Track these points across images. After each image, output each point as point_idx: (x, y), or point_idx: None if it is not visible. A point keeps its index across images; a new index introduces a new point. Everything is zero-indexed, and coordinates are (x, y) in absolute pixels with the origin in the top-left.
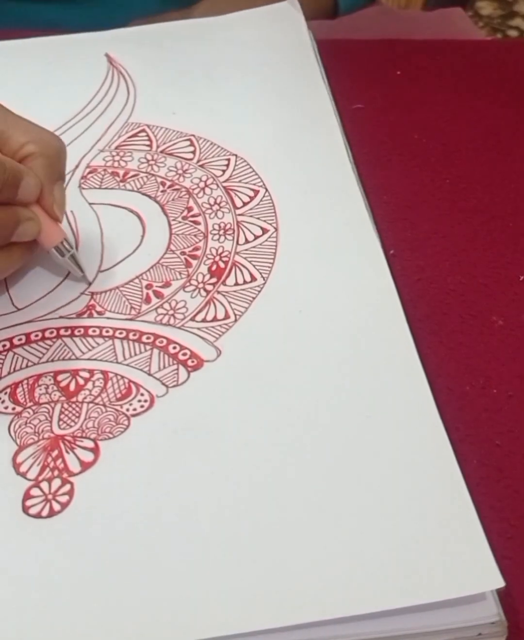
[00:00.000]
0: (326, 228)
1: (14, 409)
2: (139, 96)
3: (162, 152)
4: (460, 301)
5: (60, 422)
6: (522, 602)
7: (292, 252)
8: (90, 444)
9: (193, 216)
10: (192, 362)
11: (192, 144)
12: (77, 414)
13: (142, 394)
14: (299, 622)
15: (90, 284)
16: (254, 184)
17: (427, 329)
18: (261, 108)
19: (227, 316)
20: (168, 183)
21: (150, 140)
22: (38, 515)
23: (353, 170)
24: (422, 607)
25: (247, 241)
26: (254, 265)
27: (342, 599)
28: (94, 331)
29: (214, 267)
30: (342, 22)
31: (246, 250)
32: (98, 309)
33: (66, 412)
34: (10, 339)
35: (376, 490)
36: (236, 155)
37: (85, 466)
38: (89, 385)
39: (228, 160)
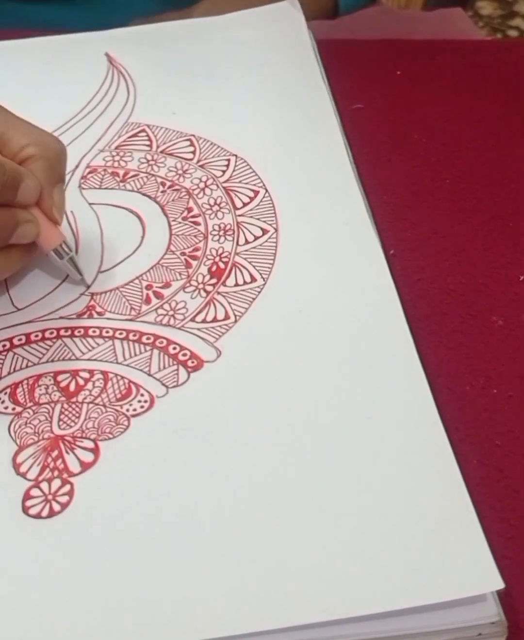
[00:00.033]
0: (326, 228)
1: (14, 409)
2: (139, 96)
3: (162, 152)
4: (460, 301)
5: (60, 423)
6: (522, 602)
7: (292, 252)
8: (90, 445)
9: (193, 217)
10: (192, 362)
11: (192, 144)
12: (77, 414)
13: (142, 395)
14: (299, 623)
15: (88, 287)
16: (254, 185)
17: (427, 329)
18: (261, 108)
19: (227, 317)
20: (168, 183)
21: (150, 140)
22: (38, 516)
23: (353, 170)
24: (422, 608)
25: (247, 242)
26: (254, 266)
27: (342, 600)
28: (94, 332)
29: (214, 268)
30: (342, 22)
31: (246, 250)
32: (99, 309)
33: (66, 413)
34: (10, 339)
35: (376, 491)
36: (236, 156)
37: (85, 466)
38: (89, 385)
39: (228, 160)
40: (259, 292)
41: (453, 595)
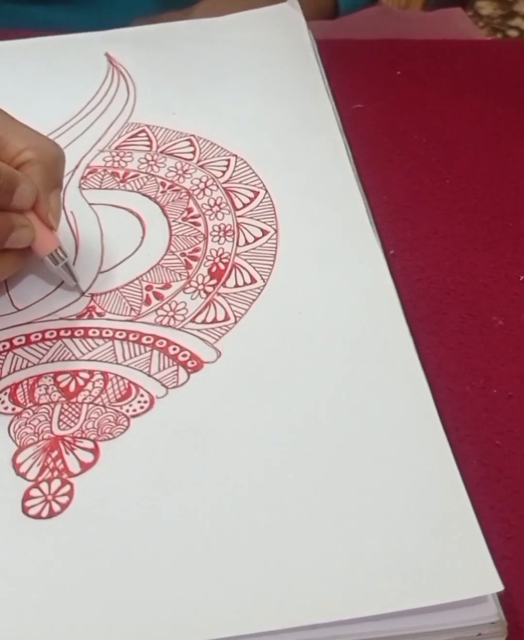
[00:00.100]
0: (326, 229)
1: (13, 409)
2: (139, 96)
3: (162, 152)
4: (460, 301)
5: (60, 423)
6: (522, 602)
7: (292, 253)
8: (90, 445)
9: (193, 217)
10: (192, 363)
11: (192, 144)
12: (76, 415)
13: (141, 395)
14: (298, 624)
15: (83, 293)
16: (254, 185)
17: (427, 329)
18: (261, 108)
19: (227, 318)
20: (168, 184)
21: (150, 140)
22: (38, 516)
23: (353, 171)
24: (421, 609)
25: (247, 243)
26: (254, 267)
27: (340, 601)
28: (94, 332)
29: (214, 269)
30: (342, 22)
31: (246, 251)
32: (99, 310)
33: (66, 413)
34: (10, 340)
35: (375, 492)
36: (236, 156)
37: (85, 467)
38: (89, 386)
39: (228, 160)
40: (259, 293)
41: (452, 597)
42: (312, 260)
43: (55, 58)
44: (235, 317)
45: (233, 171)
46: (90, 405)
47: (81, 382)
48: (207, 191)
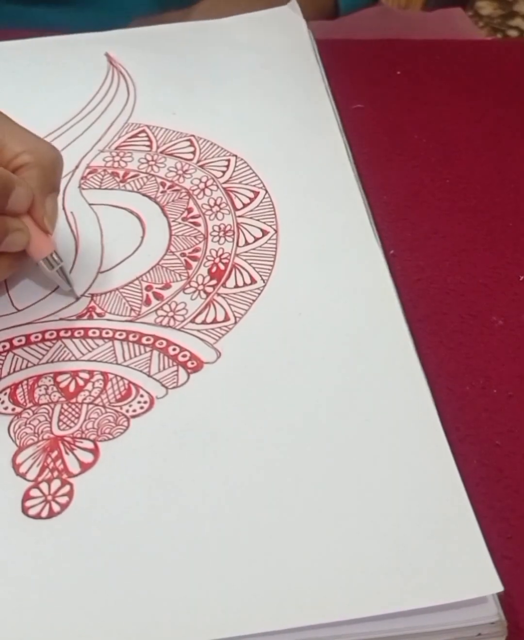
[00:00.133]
0: (327, 230)
1: (13, 409)
2: (139, 96)
3: (162, 152)
4: (460, 301)
5: (60, 423)
6: (522, 602)
7: (292, 254)
8: (90, 445)
9: (193, 217)
10: (192, 363)
11: (192, 145)
12: (76, 415)
13: (141, 396)
14: (298, 624)
15: (77, 298)
16: (254, 185)
17: (427, 329)
18: (261, 108)
19: (226, 318)
20: (168, 184)
21: (150, 140)
22: (37, 516)
23: (353, 171)
24: (421, 609)
25: (247, 243)
26: (254, 268)
27: (340, 602)
28: (94, 333)
29: (214, 269)
30: (342, 22)
31: (246, 252)
32: (98, 310)
33: (66, 413)
34: (10, 340)
35: (375, 493)
36: (236, 156)
37: (84, 467)
38: (89, 386)
39: (228, 160)
40: (259, 294)
41: (451, 598)
42: (312, 261)
43: (55, 58)
44: (235, 317)
45: (233, 171)
46: (90, 406)
47: (81, 383)
48: (207, 191)
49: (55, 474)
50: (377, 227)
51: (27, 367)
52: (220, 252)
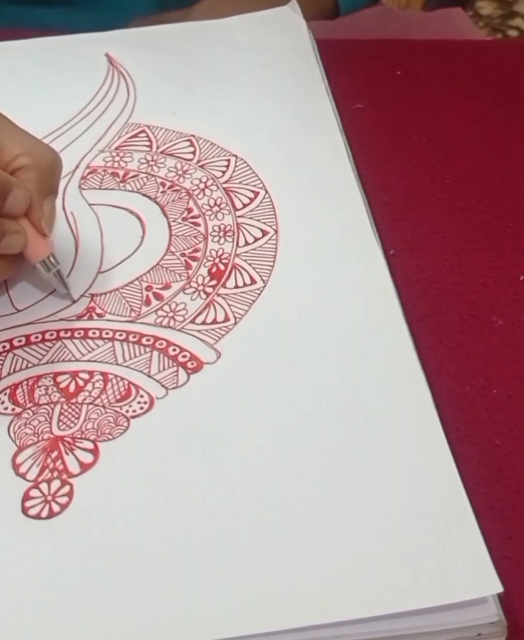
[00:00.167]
0: (327, 230)
1: (13, 409)
2: (139, 97)
3: (162, 152)
4: (460, 301)
5: (60, 423)
6: (522, 602)
7: (292, 254)
8: (90, 445)
9: (193, 217)
10: (192, 364)
11: (192, 145)
12: (76, 415)
13: (141, 396)
14: (298, 625)
15: (74, 301)
16: (254, 186)
17: (427, 329)
18: (261, 108)
19: (226, 319)
20: (168, 184)
21: (150, 140)
22: (37, 517)
23: (353, 171)
24: (421, 609)
25: (246, 243)
26: (254, 268)
27: (341, 602)
28: (94, 333)
29: (214, 269)
30: (342, 22)
31: (246, 252)
32: (98, 311)
33: (66, 414)
34: (10, 340)
35: (375, 493)
36: (236, 156)
37: (84, 467)
38: (89, 386)
39: (228, 160)
40: (259, 294)
41: (451, 599)
42: (312, 261)
43: (55, 58)
44: (235, 318)
45: (233, 171)
46: (90, 406)
47: (81, 383)
48: (207, 191)
49: (55, 474)
50: (377, 227)
51: (27, 367)
52: (220, 253)
